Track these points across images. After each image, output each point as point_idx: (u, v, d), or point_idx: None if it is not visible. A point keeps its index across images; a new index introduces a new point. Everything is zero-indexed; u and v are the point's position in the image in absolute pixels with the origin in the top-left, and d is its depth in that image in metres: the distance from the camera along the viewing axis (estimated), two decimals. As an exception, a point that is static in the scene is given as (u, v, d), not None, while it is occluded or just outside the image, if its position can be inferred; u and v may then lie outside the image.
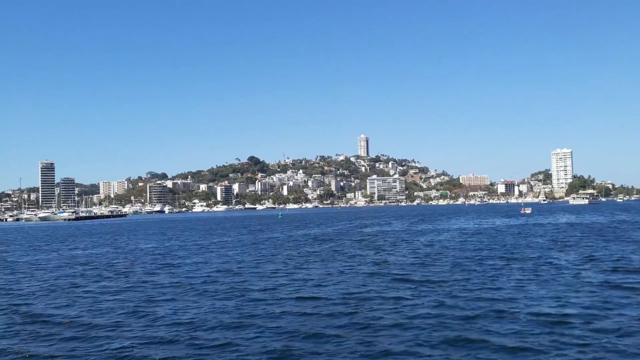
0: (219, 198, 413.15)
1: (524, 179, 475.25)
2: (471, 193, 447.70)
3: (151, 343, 12.67)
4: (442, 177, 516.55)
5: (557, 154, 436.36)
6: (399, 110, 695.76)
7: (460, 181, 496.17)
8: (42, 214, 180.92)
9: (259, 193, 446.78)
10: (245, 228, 78.00)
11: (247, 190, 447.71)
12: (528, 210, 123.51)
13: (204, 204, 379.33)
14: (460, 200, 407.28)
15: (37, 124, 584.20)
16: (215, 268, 27.14)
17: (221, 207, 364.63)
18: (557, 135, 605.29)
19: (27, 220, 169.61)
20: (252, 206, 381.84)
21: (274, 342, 12.37)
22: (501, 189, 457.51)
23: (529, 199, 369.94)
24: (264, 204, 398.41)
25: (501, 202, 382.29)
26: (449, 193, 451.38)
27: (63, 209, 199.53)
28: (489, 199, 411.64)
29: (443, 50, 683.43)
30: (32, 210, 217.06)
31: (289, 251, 35.79)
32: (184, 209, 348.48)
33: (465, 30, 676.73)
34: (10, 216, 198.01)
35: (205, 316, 15.39)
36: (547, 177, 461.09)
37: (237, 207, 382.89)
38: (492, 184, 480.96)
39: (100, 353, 12.04)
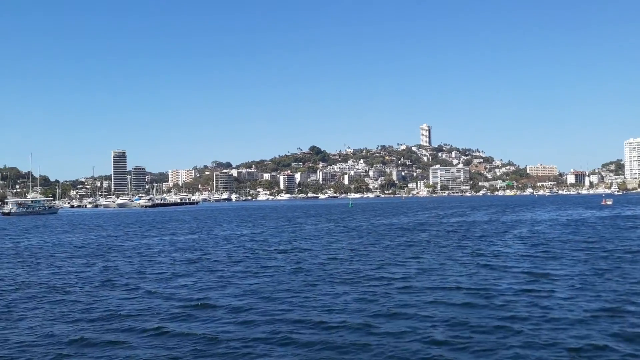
0: (281, 187, 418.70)
1: (595, 170, 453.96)
2: (539, 184, 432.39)
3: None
4: (508, 167, 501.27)
5: (630, 143, 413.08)
6: (462, 99, 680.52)
7: (527, 171, 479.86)
8: (119, 200, 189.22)
9: (320, 182, 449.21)
10: (322, 216, 78.49)
11: (309, 180, 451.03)
12: (609, 202, 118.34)
13: (268, 192, 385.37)
14: (528, 191, 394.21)
15: (110, 115, 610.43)
16: (329, 255, 27.38)
17: (284, 196, 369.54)
18: (631, 123, 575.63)
19: (105, 206, 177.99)
20: (314, 195, 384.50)
21: (439, 333, 12.26)
22: (570, 179, 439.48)
23: (600, 190, 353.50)
24: (326, 193, 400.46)
25: (571, 193, 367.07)
26: (515, 183, 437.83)
27: (139, 196, 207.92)
28: (558, 190, 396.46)
29: (509, 37, 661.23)
30: (109, 198, 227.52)
31: (386, 241, 35.62)
32: (249, 197, 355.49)
33: (531, 17, 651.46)
34: (89, 203, 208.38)
35: (368, 305, 15.43)
36: (619, 167, 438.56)
37: (299, 196, 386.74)
38: (560, 175, 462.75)
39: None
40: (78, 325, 13.52)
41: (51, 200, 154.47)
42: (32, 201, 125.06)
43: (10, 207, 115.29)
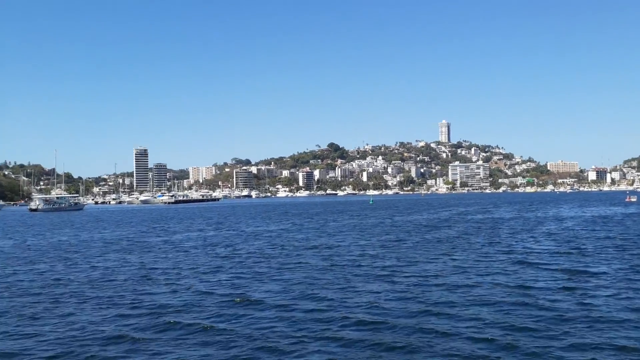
0: (300, 184, 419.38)
1: (616, 166, 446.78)
2: (559, 180, 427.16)
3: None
4: (528, 163, 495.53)
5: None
6: (481, 95, 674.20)
7: (548, 168, 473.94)
8: (143, 197, 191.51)
9: (339, 179, 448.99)
10: (344, 213, 78.55)
11: (327, 177, 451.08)
12: (634, 199, 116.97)
13: (287, 189, 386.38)
14: (549, 188, 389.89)
15: (132, 113, 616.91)
16: (359, 251, 27.49)
17: (303, 193, 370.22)
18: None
19: (129, 203, 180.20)
20: (333, 192, 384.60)
21: (486, 332, 12.33)
22: (592, 176, 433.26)
23: (622, 187, 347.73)
24: (345, 190, 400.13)
25: (593, 190, 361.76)
26: (535, 180, 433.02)
27: (162, 193, 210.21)
28: (579, 187, 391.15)
29: (528, 32, 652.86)
30: (132, 194, 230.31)
31: (415, 238, 35.60)
32: (268, 194, 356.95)
33: (552, 7, 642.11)
34: (113, 199, 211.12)
35: (409, 304, 15.53)
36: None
37: (318, 192, 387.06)
38: (581, 171, 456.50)
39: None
40: (127, 320, 13.79)
41: (77, 196, 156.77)
42: (57, 198, 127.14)
43: (38, 203, 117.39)
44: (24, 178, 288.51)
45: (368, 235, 38.43)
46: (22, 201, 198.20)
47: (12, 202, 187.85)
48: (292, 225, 51.88)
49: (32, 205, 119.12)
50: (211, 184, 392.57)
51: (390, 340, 11.56)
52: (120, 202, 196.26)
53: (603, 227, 41.41)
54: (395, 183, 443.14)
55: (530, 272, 19.99)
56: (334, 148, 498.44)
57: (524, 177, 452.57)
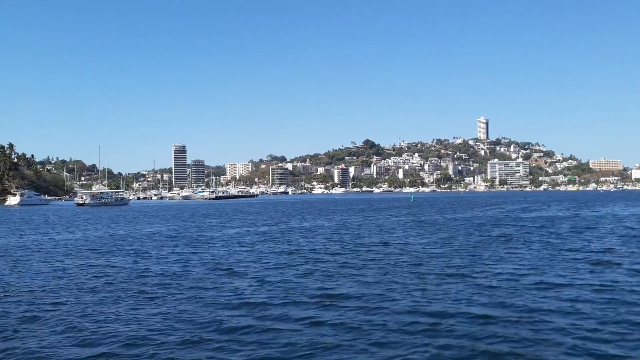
0: (335, 181, 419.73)
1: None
2: (602, 179, 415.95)
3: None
4: (570, 161, 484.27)
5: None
6: (520, 91, 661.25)
7: (590, 166, 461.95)
8: (184, 193, 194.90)
9: (374, 176, 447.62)
10: (388, 210, 77.96)
11: (363, 174, 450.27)
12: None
13: (322, 186, 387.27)
14: (591, 186, 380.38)
15: (170, 110, 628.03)
16: (424, 249, 27.03)
17: (339, 190, 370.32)
18: None
19: (170, 198, 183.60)
20: (369, 189, 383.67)
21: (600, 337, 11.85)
22: (636, 174, 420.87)
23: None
24: (380, 187, 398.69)
25: (637, 188, 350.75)
26: (577, 178, 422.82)
27: (202, 189, 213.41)
28: (623, 185, 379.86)
29: (570, 27, 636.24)
30: (173, 190, 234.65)
31: (475, 236, 34.86)
32: (304, 191, 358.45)
33: (591, 3, 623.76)
34: (154, 194, 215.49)
35: (500, 310, 15.17)
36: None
37: (353, 190, 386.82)
38: (625, 169, 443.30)
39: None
40: (217, 312, 13.75)
41: (122, 192, 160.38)
42: (100, 193, 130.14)
43: (84, 198, 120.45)
44: (66, 174, 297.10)
45: (424, 232, 37.85)
46: (67, 196, 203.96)
47: (57, 197, 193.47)
48: (342, 221, 51.70)
49: (79, 200, 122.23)
50: (247, 180, 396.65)
51: (498, 348, 11.21)
52: (161, 198, 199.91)
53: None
54: (431, 180, 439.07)
55: (612, 271, 19.25)
56: (369, 145, 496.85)
57: (565, 175, 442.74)
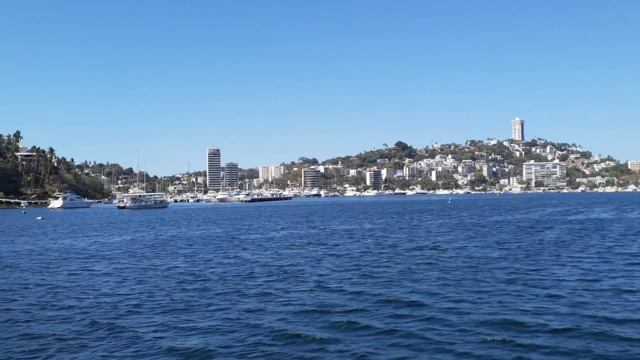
0: (368, 183, 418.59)
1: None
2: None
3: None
4: (607, 162, 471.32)
5: None
6: (557, 91, 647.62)
7: (628, 167, 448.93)
8: (220, 195, 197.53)
9: (407, 178, 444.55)
10: (426, 212, 77.22)
11: (395, 176, 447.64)
12: None
13: (354, 188, 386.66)
14: (630, 188, 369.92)
15: (205, 114, 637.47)
16: (474, 252, 26.69)
17: (371, 192, 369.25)
18: None
19: (206, 201, 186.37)
20: (402, 191, 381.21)
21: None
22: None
23: None
24: (413, 189, 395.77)
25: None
26: (615, 180, 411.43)
27: (237, 192, 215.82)
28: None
29: (605, 27, 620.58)
30: (209, 193, 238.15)
31: (526, 240, 34.24)
32: (336, 193, 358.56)
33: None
34: (191, 197, 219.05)
35: (579, 317, 14.92)
36: None
37: (386, 192, 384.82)
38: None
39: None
40: (279, 316, 13.88)
41: (161, 195, 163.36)
42: (139, 196, 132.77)
43: (125, 201, 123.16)
44: (104, 177, 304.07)
45: (471, 235, 37.37)
46: (106, 199, 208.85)
47: (96, 200, 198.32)
48: (382, 224, 51.51)
49: (120, 203, 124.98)
50: (280, 182, 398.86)
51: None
52: (197, 200, 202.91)
53: None
54: (465, 182, 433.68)
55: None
56: (401, 147, 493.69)
57: (603, 176, 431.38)
